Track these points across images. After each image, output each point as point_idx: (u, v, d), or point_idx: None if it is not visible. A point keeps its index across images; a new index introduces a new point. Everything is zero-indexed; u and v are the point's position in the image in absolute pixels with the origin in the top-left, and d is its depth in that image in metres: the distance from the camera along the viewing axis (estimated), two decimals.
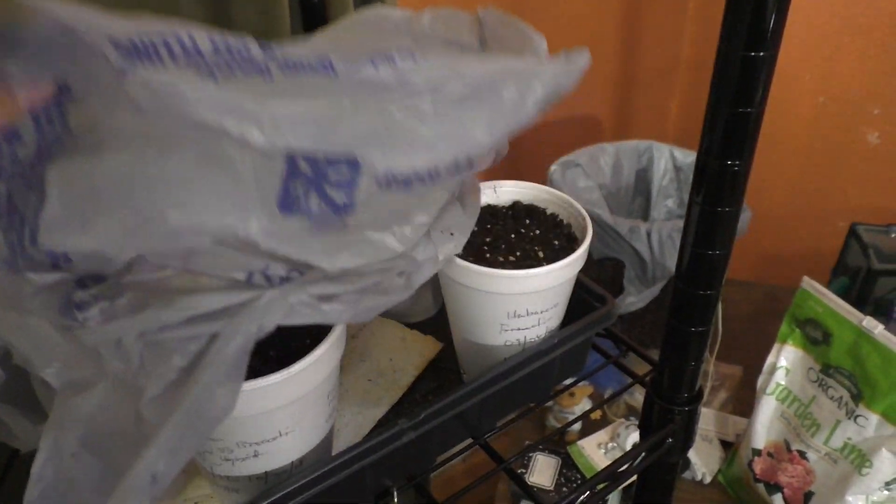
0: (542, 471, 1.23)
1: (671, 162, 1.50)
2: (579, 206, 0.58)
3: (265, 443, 0.45)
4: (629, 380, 0.67)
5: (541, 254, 0.56)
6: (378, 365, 0.64)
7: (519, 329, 0.55)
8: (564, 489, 1.19)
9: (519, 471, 1.23)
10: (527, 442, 1.29)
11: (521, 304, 0.53)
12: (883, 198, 1.61)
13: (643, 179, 1.55)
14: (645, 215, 1.58)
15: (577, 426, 1.31)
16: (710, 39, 1.70)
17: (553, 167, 1.41)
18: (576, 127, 1.71)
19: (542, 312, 0.54)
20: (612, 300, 0.60)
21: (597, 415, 1.34)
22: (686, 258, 0.53)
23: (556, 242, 0.57)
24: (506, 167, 1.77)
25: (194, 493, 0.54)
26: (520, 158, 1.65)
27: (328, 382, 0.46)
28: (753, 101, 0.46)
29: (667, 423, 0.60)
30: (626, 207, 1.56)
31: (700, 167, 0.50)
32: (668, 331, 0.58)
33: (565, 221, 0.59)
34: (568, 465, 1.23)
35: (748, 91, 0.45)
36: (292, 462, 0.48)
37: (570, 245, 0.57)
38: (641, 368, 0.66)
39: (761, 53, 0.44)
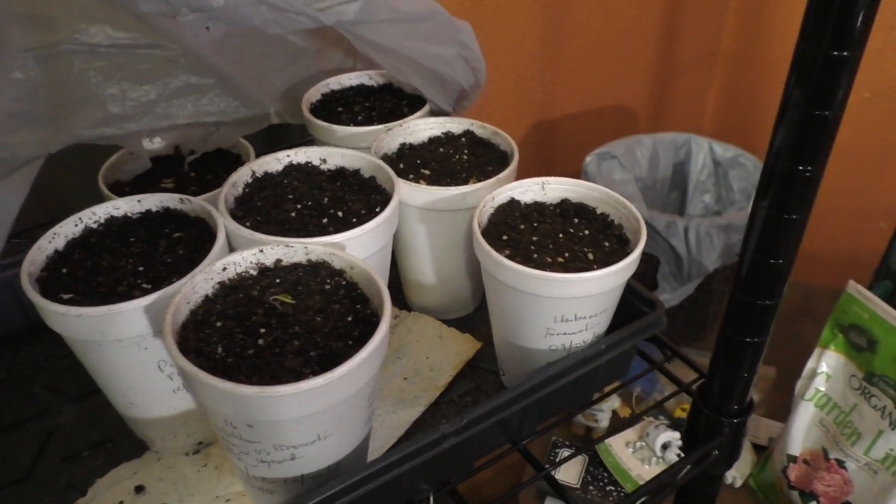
0: (568, 468, 1.21)
1: (710, 156, 1.46)
2: (633, 208, 0.55)
3: (303, 446, 0.43)
4: (661, 379, 0.64)
5: (590, 255, 0.53)
6: (414, 363, 0.62)
7: (565, 334, 0.53)
8: (591, 487, 1.17)
9: (545, 465, 1.21)
10: (553, 438, 1.27)
11: (570, 309, 0.51)
12: None
13: (680, 173, 1.51)
14: (680, 210, 1.54)
15: (604, 423, 1.29)
16: (750, 31, 1.66)
17: (588, 158, 1.38)
18: (611, 117, 1.67)
19: (590, 318, 0.52)
20: (662, 305, 0.58)
21: (625, 412, 1.31)
22: (746, 265, 0.51)
23: (607, 244, 0.54)
24: (540, 157, 1.75)
25: (226, 490, 0.52)
26: (555, 148, 1.62)
27: (370, 386, 0.44)
28: (833, 105, 0.43)
29: (714, 436, 0.58)
30: (662, 201, 1.52)
31: (768, 170, 0.47)
32: (722, 339, 0.55)
33: (616, 222, 0.56)
34: (595, 463, 1.21)
35: (828, 93, 0.42)
36: (329, 466, 0.46)
37: (621, 247, 0.54)
38: (682, 371, 0.64)
39: (845, 53, 0.41)
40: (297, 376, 0.41)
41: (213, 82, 0.57)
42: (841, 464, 1.01)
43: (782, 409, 1.26)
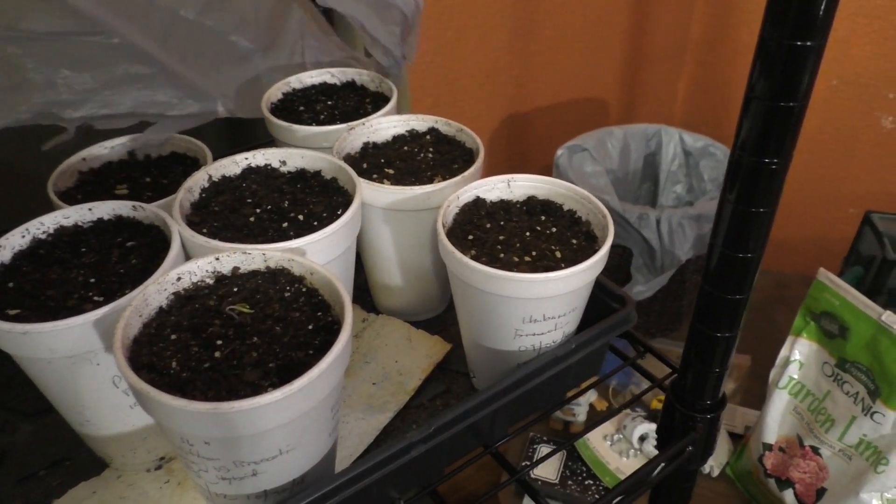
0: (546, 463, 1.20)
1: (680, 146, 1.46)
2: (599, 203, 0.54)
3: (265, 461, 0.42)
4: (637, 374, 0.63)
5: (558, 254, 0.52)
6: (383, 367, 0.61)
7: (535, 335, 0.52)
8: (570, 482, 1.16)
9: (523, 462, 1.21)
10: (531, 433, 1.27)
11: (538, 309, 0.50)
12: None
13: (651, 164, 1.51)
14: (653, 201, 1.55)
15: (581, 417, 1.28)
16: (719, 20, 1.66)
17: (560, 151, 1.37)
18: (582, 109, 1.67)
19: (559, 317, 0.51)
20: (632, 301, 0.57)
21: (602, 405, 1.31)
22: (715, 260, 0.50)
23: (575, 241, 0.53)
24: (512, 150, 1.74)
25: None
26: (526, 141, 1.61)
27: (332, 396, 0.43)
28: (797, 95, 0.42)
29: (688, 431, 0.57)
30: (634, 193, 1.52)
31: (734, 163, 0.46)
32: (693, 335, 0.54)
33: (584, 219, 0.55)
34: (573, 458, 1.20)
35: (792, 84, 0.41)
36: (293, 480, 0.44)
37: (589, 244, 0.53)
38: (655, 365, 0.63)
39: (808, 43, 0.40)
40: (256, 390, 0.40)
41: (157, 72, 0.55)
42: (816, 450, 1.01)
43: (757, 397, 1.27)
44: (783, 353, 1.07)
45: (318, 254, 0.49)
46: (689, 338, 0.55)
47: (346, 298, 0.44)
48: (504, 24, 1.42)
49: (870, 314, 0.94)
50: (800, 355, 1.05)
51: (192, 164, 0.62)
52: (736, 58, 1.64)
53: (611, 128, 1.46)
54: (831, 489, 0.99)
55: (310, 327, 0.44)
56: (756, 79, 0.43)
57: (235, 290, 0.47)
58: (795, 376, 1.06)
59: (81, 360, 0.45)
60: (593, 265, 0.49)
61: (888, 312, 0.92)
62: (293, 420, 0.40)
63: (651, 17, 1.67)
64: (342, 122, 0.66)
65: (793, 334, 1.06)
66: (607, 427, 1.24)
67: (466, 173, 0.57)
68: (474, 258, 0.50)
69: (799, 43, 0.40)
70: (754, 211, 0.46)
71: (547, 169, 1.49)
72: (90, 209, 0.52)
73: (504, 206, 0.57)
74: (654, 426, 1.22)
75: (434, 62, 1.35)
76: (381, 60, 0.65)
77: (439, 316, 0.67)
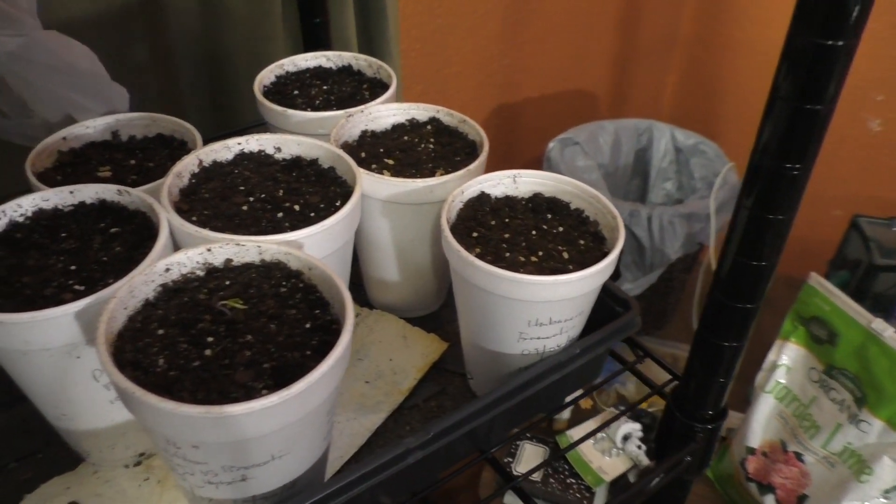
0: (529, 460, 1.19)
1: (671, 143, 1.45)
2: (609, 203, 0.52)
3: (255, 467, 0.39)
4: (628, 373, 0.62)
5: (565, 254, 0.50)
6: (377, 365, 0.59)
7: (539, 338, 0.50)
8: (552, 480, 1.15)
9: (505, 459, 1.19)
10: (514, 430, 1.25)
11: (545, 313, 0.48)
12: (882, 188, 1.57)
13: (642, 160, 1.49)
14: (642, 197, 1.53)
15: (565, 414, 1.27)
16: (710, 14, 1.64)
17: (551, 144, 1.35)
18: (573, 101, 1.65)
19: (565, 321, 0.49)
20: (637, 305, 0.55)
21: (587, 403, 1.30)
22: (727, 267, 0.48)
23: (582, 242, 0.51)
24: (502, 141, 1.71)
25: None
26: (517, 132, 1.59)
27: (329, 401, 0.40)
28: (824, 98, 0.40)
29: (688, 442, 0.56)
30: (624, 189, 1.51)
31: (753, 167, 0.44)
32: (698, 343, 0.53)
33: (591, 218, 0.53)
34: (555, 456, 1.19)
35: (819, 85, 0.40)
36: (284, 485, 0.42)
37: (597, 246, 0.51)
38: (650, 368, 0.61)
39: (840, 43, 0.38)
40: (249, 392, 0.37)
41: None
42: (799, 456, 1.01)
43: (739, 399, 1.27)
44: (770, 356, 1.07)
45: (316, 247, 0.47)
46: (693, 346, 0.54)
47: (347, 296, 0.42)
48: (496, 11, 1.40)
49: (860, 321, 0.93)
50: (787, 360, 1.05)
51: (179, 146, 0.59)
52: (725, 54, 1.62)
53: (602, 122, 1.45)
54: (813, 496, 0.99)
55: (307, 326, 0.42)
56: (782, 79, 0.41)
57: (227, 283, 0.44)
58: (782, 381, 1.05)
59: (60, 352, 0.42)
60: (604, 269, 0.47)
61: (878, 320, 0.92)
62: (289, 425, 0.38)
63: (642, 10, 1.65)
64: (338, 108, 0.63)
65: (781, 338, 1.05)
66: (591, 426, 1.23)
67: (471, 167, 0.55)
68: (479, 256, 0.48)
69: (829, 43, 0.38)
70: (772, 218, 0.44)
71: (537, 161, 1.47)
72: (71, 192, 0.49)
73: (509, 202, 0.55)
74: (637, 425, 1.21)
75: (424, 48, 1.32)
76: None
77: (435, 313, 0.65)
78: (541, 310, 0.47)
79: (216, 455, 0.38)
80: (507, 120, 1.55)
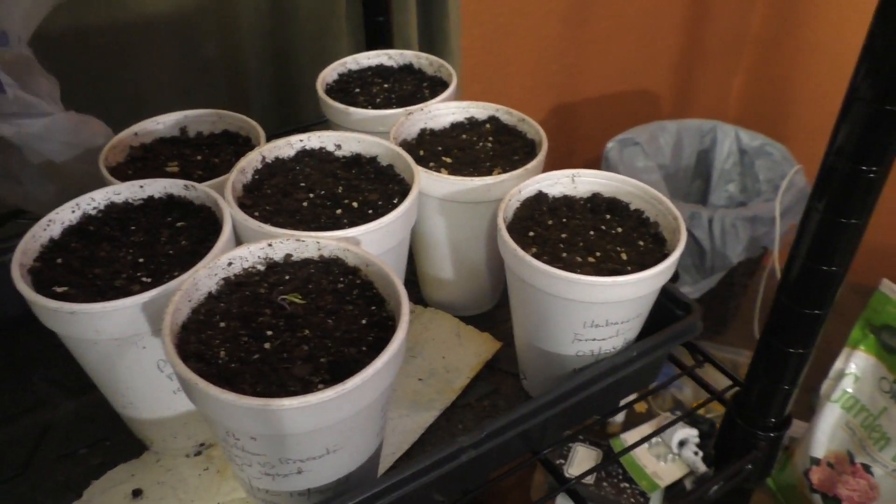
0: (581, 463, 1.17)
1: (736, 144, 1.41)
2: (670, 204, 0.51)
3: (311, 460, 0.40)
4: (684, 376, 0.60)
5: (624, 256, 0.49)
6: (430, 363, 0.59)
7: (594, 340, 0.49)
8: (605, 483, 1.14)
9: (558, 461, 1.18)
10: (566, 432, 1.24)
11: (601, 314, 0.47)
12: None
13: (704, 161, 1.46)
14: (703, 200, 1.50)
15: (619, 417, 1.25)
16: (780, 15, 1.59)
17: (610, 144, 1.33)
18: (634, 102, 1.62)
19: (622, 323, 0.48)
20: (699, 309, 0.54)
21: (642, 407, 1.28)
22: (795, 271, 0.46)
23: (642, 243, 0.50)
24: (560, 142, 1.70)
25: (227, 496, 0.49)
26: (575, 132, 1.57)
27: (384, 396, 0.41)
28: None
29: (749, 449, 0.54)
30: (685, 190, 1.47)
31: (826, 169, 0.43)
32: (762, 348, 0.51)
33: (651, 220, 0.52)
34: (610, 459, 1.17)
35: None
36: (338, 479, 0.43)
37: (657, 247, 0.50)
38: (709, 374, 0.60)
39: None
40: (306, 385, 0.38)
41: None
42: (867, 468, 0.97)
43: (803, 407, 1.23)
44: (837, 365, 1.03)
45: (373, 244, 0.47)
46: (757, 351, 0.52)
47: (403, 293, 0.42)
48: (557, 10, 1.38)
49: None
50: (856, 368, 1.01)
51: (244, 143, 0.60)
52: (797, 56, 1.57)
53: (663, 122, 1.42)
54: None
55: (363, 322, 0.42)
56: (861, 79, 0.39)
57: (287, 278, 0.45)
58: (850, 390, 1.01)
59: (127, 342, 0.43)
60: (664, 271, 0.46)
61: None
62: (343, 420, 0.38)
63: (710, 10, 1.61)
64: (398, 106, 0.63)
65: (849, 346, 1.01)
66: (645, 429, 1.21)
67: (529, 166, 0.55)
68: (536, 256, 0.47)
69: None
70: (845, 222, 0.43)
71: (596, 161, 1.45)
72: (141, 186, 0.51)
73: (567, 202, 0.54)
74: (694, 431, 1.19)
75: (485, 47, 1.32)
76: None
77: (489, 312, 0.65)
78: (597, 311, 0.47)
79: (273, 447, 0.39)
80: (567, 120, 1.53)
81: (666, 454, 1.18)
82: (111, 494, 0.49)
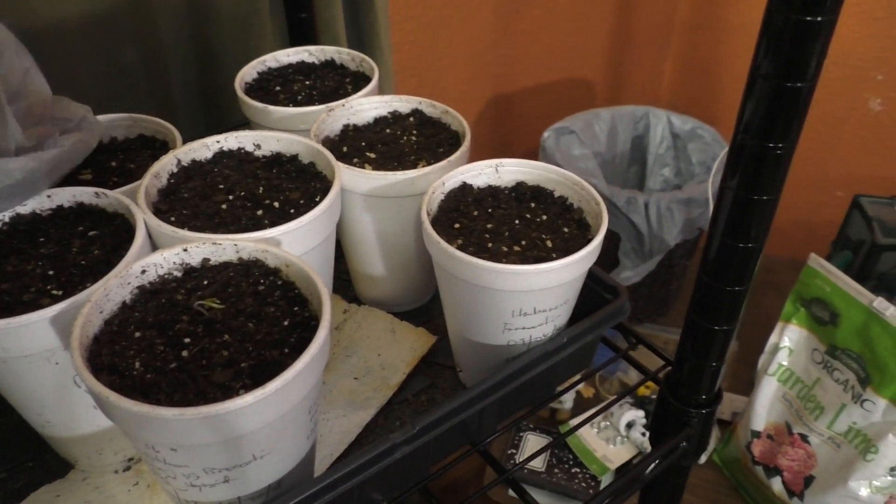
0: (532, 451, 1.18)
1: (668, 129, 1.44)
2: (592, 190, 0.51)
3: (237, 468, 0.39)
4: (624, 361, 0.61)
5: (549, 243, 0.49)
6: (365, 361, 0.58)
7: (524, 328, 0.49)
8: (556, 470, 1.15)
9: (509, 451, 1.19)
10: (506, 421, 1.25)
11: (529, 302, 0.47)
12: (884, 167, 1.56)
13: (639, 147, 1.48)
14: (640, 184, 1.52)
15: (568, 404, 1.27)
16: (706, 1, 1.63)
17: (546, 133, 1.34)
18: (569, 90, 1.64)
19: (550, 310, 0.48)
20: (625, 292, 0.54)
21: (589, 392, 1.29)
22: (714, 249, 0.47)
23: (567, 230, 0.51)
24: (497, 132, 1.70)
25: None
26: (512, 122, 1.58)
27: (310, 397, 0.40)
28: (806, 75, 0.39)
29: (683, 427, 0.55)
30: (622, 176, 1.50)
31: (736, 148, 0.43)
32: (688, 327, 0.52)
33: (576, 206, 0.53)
34: (559, 445, 1.19)
35: (800, 62, 0.39)
36: (269, 485, 0.42)
37: (581, 233, 0.51)
38: (646, 354, 0.61)
39: (819, 18, 0.37)
40: (226, 392, 0.37)
41: None
42: (804, 438, 1.00)
43: (745, 383, 1.26)
44: (772, 339, 1.06)
45: (295, 244, 0.46)
46: (684, 330, 0.53)
47: (325, 292, 0.41)
48: (488, 1, 1.38)
49: (861, 300, 0.92)
50: (789, 342, 1.04)
51: (161, 147, 0.59)
52: (723, 39, 1.61)
53: (598, 109, 1.43)
54: (819, 477, 0.99)
55: (285, 323, 0.42)
56: (762, 57, 0.40)
57: (205, 283, 0.44)
58: (785, 363, 1.05)
59: (38, 358, 0.41)
60: (587, 255, 0.47)
61: (880, 299, 0.91)
62: (267, 424, 0.37)
63: None
64: (321, 103, 0.62)
65: (782, 320, 1.05)
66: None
67: (452, 158, 0.54)
68: (461, 248, 0.47)
69: (808, 18, 0.37)
70: (757, 198, 0.44)
71: (533, 152, 1.46)
72: (49, 196, 0.49)
73: (492, 192, 0.54)
74: (641, 413, 1.21)
75: (417, 42, 1.31)
76: None
77: (424, 306, 0.65)
78: (524, 299, 0.47)
79: (195, 457, 0.38)
80: (503, 111, 1.54)
81: (615, 437, 1.20)
82: None
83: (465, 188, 0.54)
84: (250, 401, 0.35)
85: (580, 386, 1.28)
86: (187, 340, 0.40)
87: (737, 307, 0.49)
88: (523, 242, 0.49)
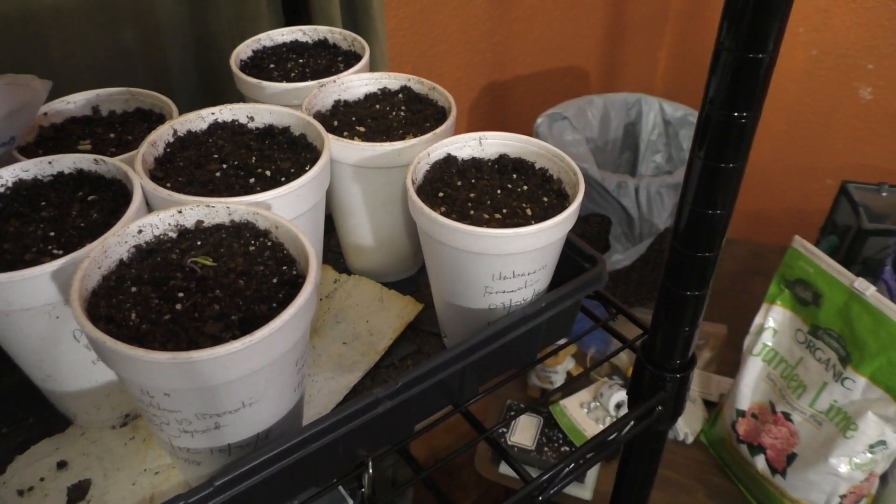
0: (523, 430, 1.21)
1: (660, 116, 1.46)
2: (570, 161, 0.53)
3: (227, 414, 0.41)
4: (614, 340, 0.64)
5: (529, 211, 0.51)
6: (354, 327, 0.60)
7: (504, 292, 0.51)
8: (546, 449, 1.17)
9: (500, 430, 1.21)
10: (508, 401, 1.28)
11: (508, 266, 0.49)
12: (873, 155, 1.58)
13: (631, 133, 1.50)
14: (632, 170, 1.54)
15: (559, 384, 1.29)
16: None
17: (540, 119, 1.36)
18: (563, 77, 1.66)
19: (529, 274, 0.51)
20: (603, 261, 0.57)
21: (577, 370, 1.32)
22: (684, 218, 0.49)
23: (546, 199, 0.53)
24: (492, 118, 1.72)
25: (154, 463, 0.50)
26: (506, 109, 1.60)
27: (296, 350, 0.42)
28: (766, 47, 0.41)
29: (657, 391, 0.58)
30: (614, 162, 1.52)
31: (703, 118, 0.45)
32: (662, 294, 0.54)
33: (555, 177, 0.55)
34: (549, 425, 1.21)
35: (761, 34, 0.41)
36: (258, 434, 0.44)
37: (560, 202, 0.53)
38: (630, 330, 0.63)
39: None
40: (217, 342, 0.39)
41: None
42: (787, 416, 1.03)
43: (733, 365, 1.28)
44: (757, 320, 1.08)
45: (285, 209, 0.49)
46: (659, 297, 0.55)
47: (311, 251, 0.43)
48: None
49: (842, 281, 0.95)
50: (774, 322, 1.06)
51: (158, 119, 0.61)
52: (715, 27, 1.63)
53: (591, 96, 1.45)
54: (801, 454, 1.01)
55: (274, 281, 0.44)
56: (725, 31, 0.42)
57: (199, 243, 0.46)
58: (769, 343, 1.07)
59: (40, 312, 0.44)
60: (563, 221, 0.49)
61: (860, 279, 0.93)
62: (255, 372, 0.40)
63: None
64: (313, 80, 0.64)
65: (767, 302, 1.07)
66: (584, 395, 1.25)
67: (438, 130, 0.56)
68: (444, 215, 0.49)
69: None
70: (724, 167, 0.46)
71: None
72: (50, 162, 0.51)
73: (475, 163, 0.56)
74: None
75: (412, 29, 1.33)
76: None
77: (412, 277, 0.67)
78: (504, 263, 0.49)
79: (188, 402, 0.40)
80: (497, 97, 1.56)
81: (604, 417, 1.23)
82: (35, 468, 0.50)
83: (449, 160, 0.56)
84: (238, 347, 0.37)
85: (571, 367, 1.30)
86: (181, 295, 0.42)
87: (707, 273, 0.51)
88: (504, 210, 0.51)
